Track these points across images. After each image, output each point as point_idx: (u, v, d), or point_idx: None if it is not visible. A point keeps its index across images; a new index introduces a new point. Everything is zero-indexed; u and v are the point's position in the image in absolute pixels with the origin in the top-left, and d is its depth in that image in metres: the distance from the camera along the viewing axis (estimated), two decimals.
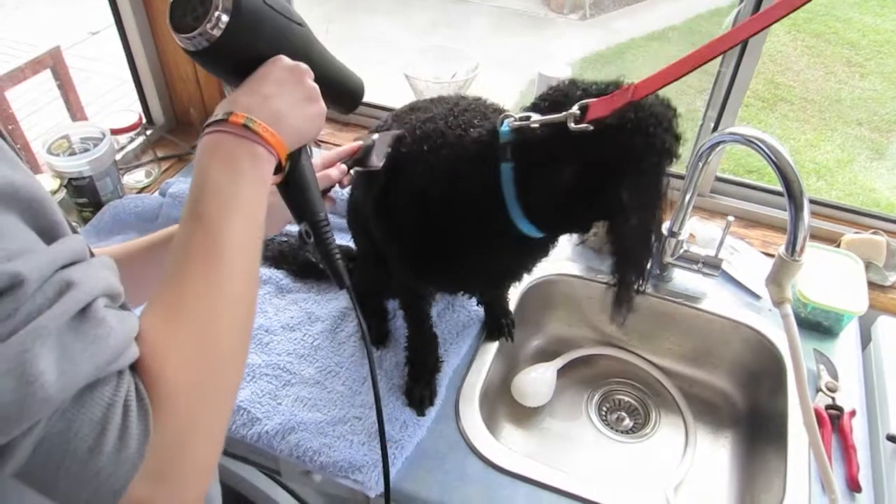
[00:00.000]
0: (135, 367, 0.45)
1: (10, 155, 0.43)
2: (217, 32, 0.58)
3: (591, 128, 0.70)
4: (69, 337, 0.41)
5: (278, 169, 0.63)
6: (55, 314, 0.40)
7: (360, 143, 0.90)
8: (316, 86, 0.66)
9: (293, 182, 0.68)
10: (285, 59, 0.64)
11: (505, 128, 0.79)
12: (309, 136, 0.66)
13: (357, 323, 0.70)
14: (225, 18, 0.58)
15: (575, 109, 0.71)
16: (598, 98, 0.71)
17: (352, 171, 0.87)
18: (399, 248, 0.95)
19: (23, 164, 0.44)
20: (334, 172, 0.85)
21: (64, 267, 0.43)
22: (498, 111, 0.89)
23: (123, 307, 0.48)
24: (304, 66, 0.65)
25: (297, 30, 0.67)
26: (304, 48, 0.68)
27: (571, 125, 0.71)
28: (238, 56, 0.62)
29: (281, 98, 0.62)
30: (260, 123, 0.59)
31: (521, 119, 0.76)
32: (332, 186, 0.85)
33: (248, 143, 0.58)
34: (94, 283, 0.44)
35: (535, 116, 0.75)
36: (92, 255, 0.49)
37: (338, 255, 0.70)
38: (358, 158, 0.89)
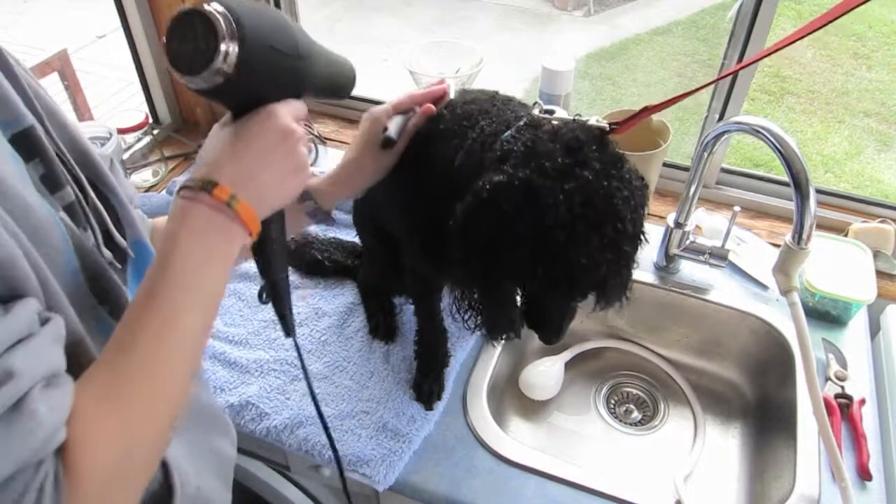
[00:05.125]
0: (58, 449, 0.45)
1: None
2: (229, 69, 0.53)
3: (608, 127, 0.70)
4: None
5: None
6: None
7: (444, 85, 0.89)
8: (305, 152, 0.62)
9: (262, 241, 0.66)
10: (280, 118, 0.60)
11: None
12: (286, 203, 0.64)
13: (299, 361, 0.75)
14: (234, 49, 0.53)
15: (605, 122, 0.72)
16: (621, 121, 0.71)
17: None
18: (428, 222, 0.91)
19: None
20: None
21: (10, 347, 0.42)
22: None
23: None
24: (299, 131, 0.61)
25: (299, 65, 0.62)
26: (308, 81, 0.64)
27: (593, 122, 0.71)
28: (239, 96, 0.59)
29: (269, 171, 0.59)
30: (242, 202, 0.56)
31: (545, 111, 0.76)
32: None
33: (224, 220, 0.56)
34: (34, 371, 0.43)
35: (560, 113, 0.75)
36: (45, 319, 0.47)
37: (290, 312, 0.72)
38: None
